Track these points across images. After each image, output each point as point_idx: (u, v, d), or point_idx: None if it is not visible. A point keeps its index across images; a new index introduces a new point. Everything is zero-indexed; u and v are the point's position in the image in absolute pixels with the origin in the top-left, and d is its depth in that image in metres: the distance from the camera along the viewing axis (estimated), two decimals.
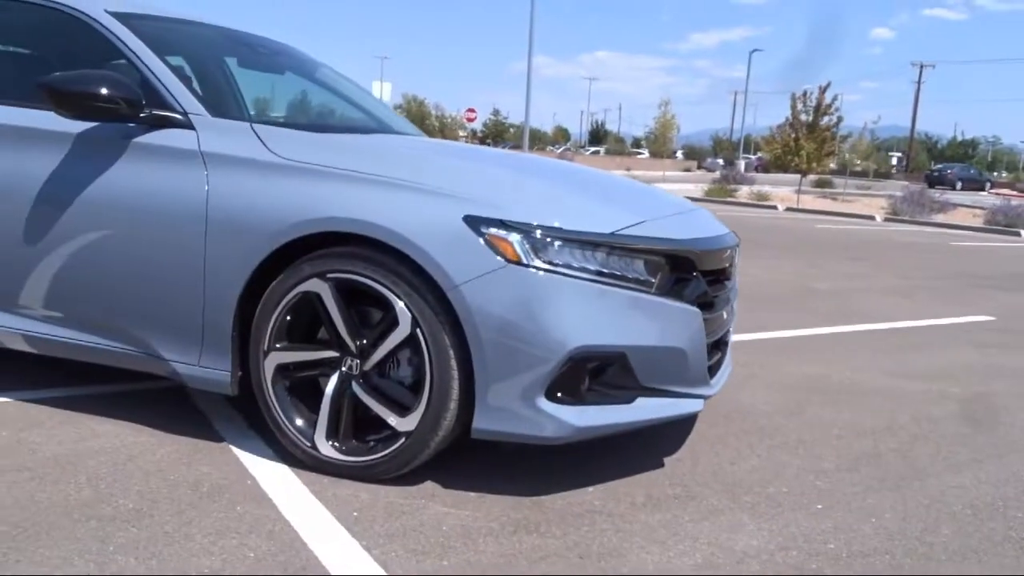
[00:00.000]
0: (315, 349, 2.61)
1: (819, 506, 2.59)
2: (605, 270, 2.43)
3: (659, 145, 38.50)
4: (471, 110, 39.41)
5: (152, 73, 2.81)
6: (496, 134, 51.35)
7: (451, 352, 2.39)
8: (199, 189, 2.62)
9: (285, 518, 2.28)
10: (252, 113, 3.46)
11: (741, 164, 46.22)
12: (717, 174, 34.13)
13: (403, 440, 2.47)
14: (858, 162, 38.22)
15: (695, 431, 3.19)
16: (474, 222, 2.38)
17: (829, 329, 5.49)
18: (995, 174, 59.75)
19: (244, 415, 3.07)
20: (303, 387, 2.67)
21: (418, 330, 2.41)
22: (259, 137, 2.68)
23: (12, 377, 3.34)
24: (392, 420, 2.48)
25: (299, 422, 2.62)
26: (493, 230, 2.37)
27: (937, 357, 4.86)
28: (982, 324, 6.13)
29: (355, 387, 2.54)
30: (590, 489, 2.61)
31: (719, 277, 2.83)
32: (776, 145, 25.59)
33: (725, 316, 2.92)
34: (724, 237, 2.94)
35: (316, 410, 2.63)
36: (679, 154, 64.13)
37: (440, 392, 2.41)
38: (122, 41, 2.90)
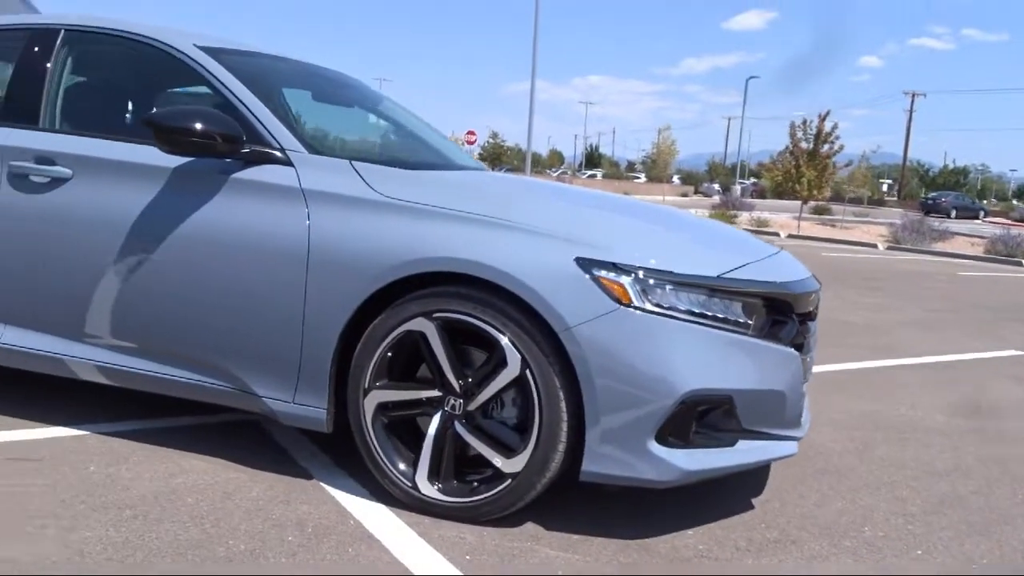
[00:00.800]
0: (417, 388, 2.61)
1: (919, 551, 2.59)
2: (708, 312, 2.45)
3: (658, 170, 38.72)
4: (471, 132, 39.53)
5: (247, 108, 2.83)
6: (495, 157, 51.55)
7: (561, 394, 2.40)
8: (300, 226, 2.62)
9: (400, 561, 2.27)
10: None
11: (737, 189, 46.52)
12: (716, 199, 34.31)
13: (509, 482, 2.47)
14: (853, 190, 38.50)
15: (772, 471, 3.19)
16: (586, 264, 2.39)
17: (871, 363, 5.52)
18: (985, 202, 60.24)
19: (324, 450, 3.06)
20: (400, 426, 2.66)
21: (527, 371, 2.41)
22: (360, 175, 2.69)
23: (85, 409, 3.32)
24: (497, 461, 2.48)
25: (398, 461, 2.61)
26: (605, 272, 2.38)
27: (983, 393, 4.89)
28: (1016, 359, 6.17)
29: (458, 427, 2.54)
30: (689, 532, 2.60)
31: (806, 319, 2.85)
32: (777, 172, 25.78)
33: (810, 359, 2.94)
34: (812, 280, 2.96)
35: (413, 449, 2.63)
36: (676, 179, 64.53)
37: (549, 434, 2.41)
38: (215, 76, 2.91)
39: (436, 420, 2.56)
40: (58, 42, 3.14)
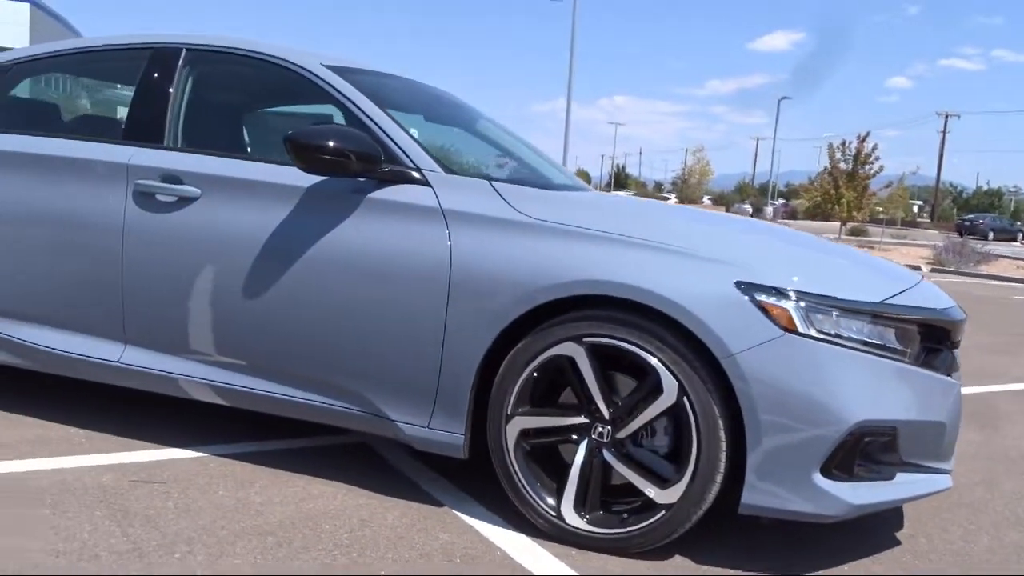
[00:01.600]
0: (562, 415, 2.53)
1: None
2: (868, 340, 2.36)
3: (689, 190, 38.60)
4: None
5: (380, 128, 2.79)
6: None
7: (720, 423, 2.31)
8: (442, 248, 2.57)
9: None
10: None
11: (769, 210, 46.21)
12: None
13: (663, 513, 2.38)
14: (887, 212, 38.10)
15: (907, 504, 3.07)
16: (747, 288, 2.31)
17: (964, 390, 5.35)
18: (1020, 224, 59.37)
19: (443, 474, 2.98)
20: (539, 453, 2.59)
21: (684, 399, 2.33)
22: (501, 195, 2.63)
23: (196, 430, 3.28)
24: (651, 492, 2.39)
25: (541, 490, 2.53)
26: (767, 297, 2.30)
27: None
28: None
29: (607, 455, 2.46)
30: (845, 567, 2.50)
31: (953, 348, 2.75)
32: (816, 193, 25.61)
33: None
34: (959, 308, 2.86)
35: (553, 477, 2.55)
36: (706, 199, 64.25)
37: (708, 464, 2.32)
38: (346, 96, 2.88)
39: (583, 448, 2.48)
40: (180, 62, 3.12)
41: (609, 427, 2.46)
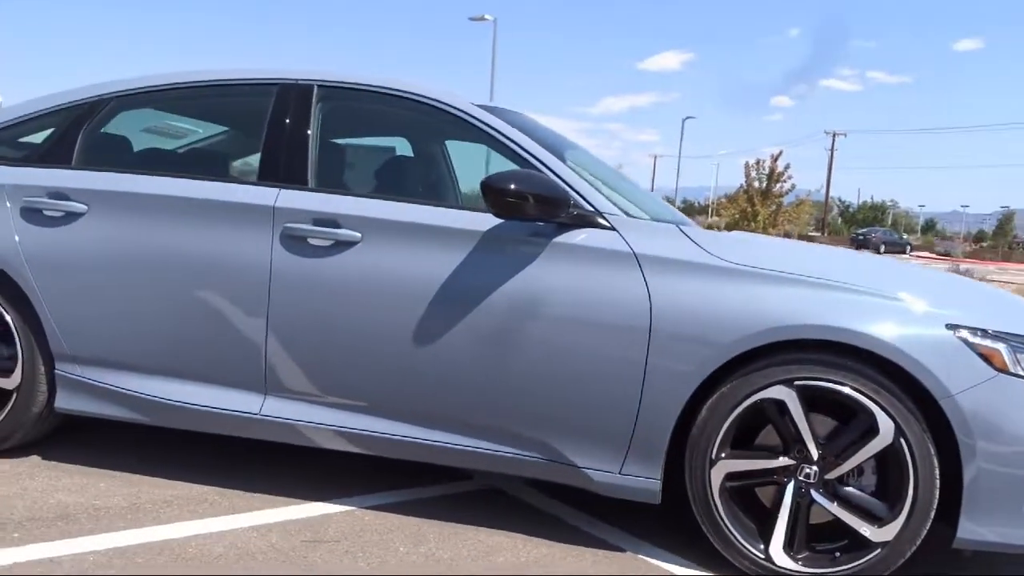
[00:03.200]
0: (769, 457, 2.56)
1: None
2: None
3: None
4: None
5: (551, 170, 2.76)
6: None
7: (935, 461, 2.39)
8: (640, 294, 2.56)
9: None
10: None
11: None
12: None
13: (877, 551, 2.43)
14: (785, 227, 39.80)
15: None
16: (957, 330, 2.40)
17: None
18: (907, 237, 63.06)
19: (600, 517, 2.96)
20: (737, 495, 2.60)
21: (901, 439, 2.40)
22: (692, 239, 2.65)
23: (317, 482, 3.13)
24: (865, 531, 2.44)
25: (743, 532, 2.55)
26: (978, 339, 2.40)
27: None
28: None
29: (816, 496, 2.50)
30: None
31: None
32: (733, 210, 26.58)
33: None
34: None
35: (751, 518, 2.57)
36: None
37: (923, 502, 2.39)
38: (509, 138, 2.84)
39: (790, 489, 2.51)
40: (313, 98, 3.01)
41: (816, 467, 2.50)
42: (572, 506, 3.05)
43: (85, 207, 3.03)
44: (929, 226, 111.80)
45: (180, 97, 3.29)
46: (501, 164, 3.71)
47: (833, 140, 68.53)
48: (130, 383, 3.01)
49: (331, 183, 2.98)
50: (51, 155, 3.21)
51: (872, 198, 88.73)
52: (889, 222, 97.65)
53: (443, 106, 2.94)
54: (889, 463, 2.45)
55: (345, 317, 2.78)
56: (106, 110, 3.24)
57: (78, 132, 3.21)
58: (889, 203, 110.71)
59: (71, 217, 3.05)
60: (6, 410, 3.11)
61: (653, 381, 2.54)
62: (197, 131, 3.53)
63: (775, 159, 25.92)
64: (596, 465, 2.63)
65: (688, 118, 63.25)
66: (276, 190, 2.90)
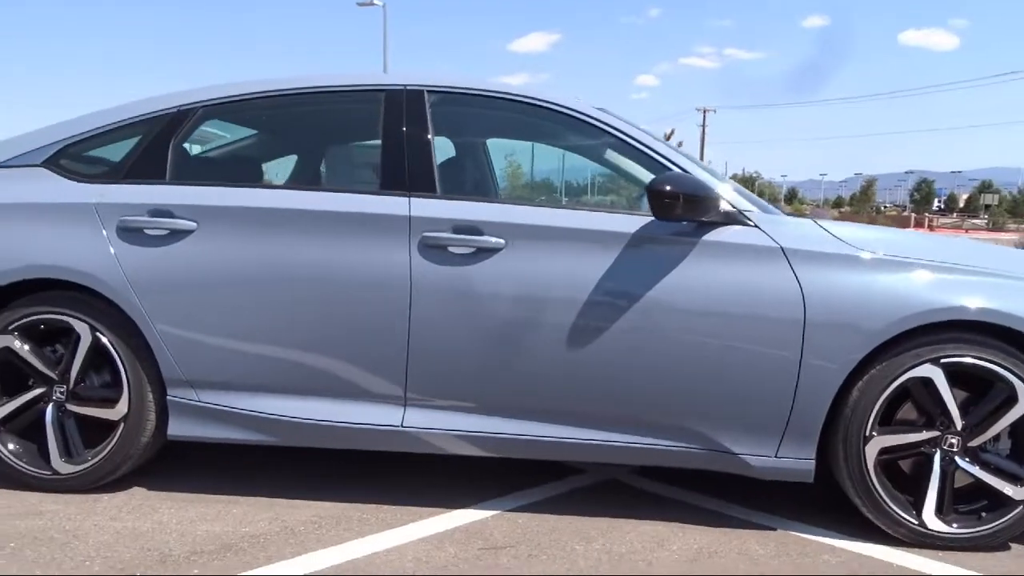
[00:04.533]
0: (918, 430, 2.74)
1: None
2: None
3: None
4: None
5: (684, 171, 2.85)
6: None
7: None
8: (792, 288, 2.69)
9: None
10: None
11: None
12: None
13: (1020, 508, 2.67)
14: None
15: None
16: None
17: None
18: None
19: (715, 494, 3.09)
20: (885, 468, 2.78)
21: None
22: (830, 232, 2.80)
23: (444, 489, 3.14)
24: (1008, 490, 2.68)
25: (894, 502, 2.73)
26: None
27: None
28: None
29: (962, 463, 2.71)
30: None
31: None
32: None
33: None
34: None
35: (899, 488, 2.76)
36: None
37: None
38: (643, 144, 2.91)
39: (937, 458, 2.72)
40: (427, 104, 2.99)
41: (960, 437, 2.71)
42: (693, 490, 3.17)
43: (194, 224, 2.90)
44: (792, 195, 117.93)
45: (273, 105, 3.17)
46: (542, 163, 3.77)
47: (704, 116, 71.05)
48: (254, 404, 2.92)
49: (457, 189, 2.96)
50: (139, 170, 3.04)
51: (743, 171, 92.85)
52: (755, 194, 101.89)
53: (563, 109, 2.97)
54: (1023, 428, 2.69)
55: (491, 324, 2.79)
56: (194, 120, 3.09)
57: (167, 145, 3.05)
58: (754, 175, 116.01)
59: (178, 235, 2.91)
60: (113, 442, 2.96)
61: (808, 369, 2.68)
62: (287, 140, 3.41)
63: (668, 136, 26.70)
64: (753, 451, 2.75)
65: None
66: (406, 199, 2.86)
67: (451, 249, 2.80)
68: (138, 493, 3.03)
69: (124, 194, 2.99)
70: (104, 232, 2.93)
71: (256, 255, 2.87)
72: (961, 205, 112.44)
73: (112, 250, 2.91)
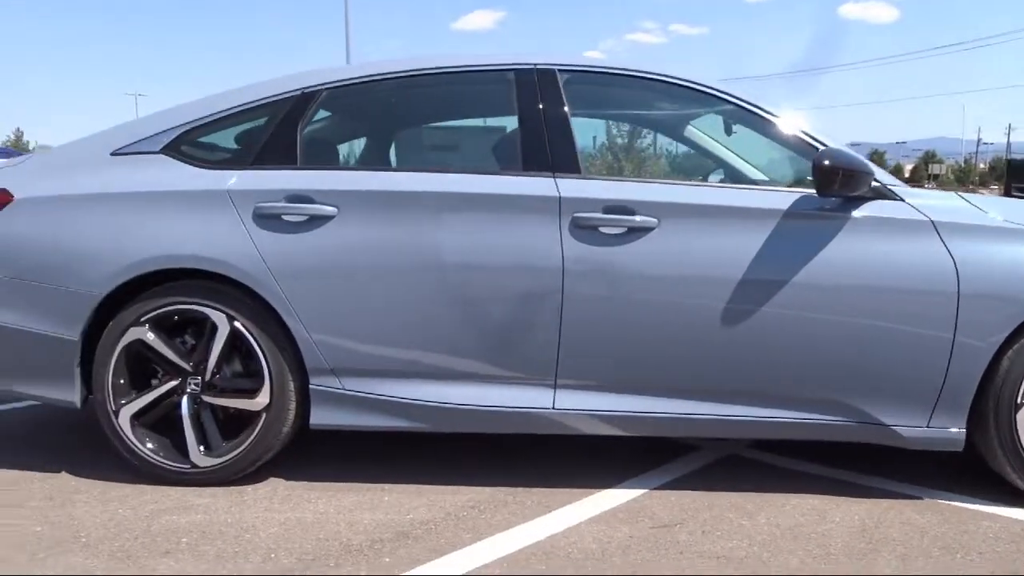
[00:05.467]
0: None
1: None
2: None
3: None
4: None
5: (824, 146, 2.87)
6: None
7: None
8: (944, 259, 2.73)
9: None
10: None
11: None
12: None
13: None
14: None
15: None
16: None
17: None
18: None
19: (848, 468, 3.15)
20: None
21: None
22: (975, 205, 2.85)
23: (584, 468, 3.15)
24: None
25: None
26: None
27: None
28: None
29: None
30: None
31: None
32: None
33: None
34: None
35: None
36: None
37: None
38: (776, 119, 2.92)
39: None
40: (560, 83, 2.96)
41: None
42: (814, 461, 3.22)
43: (335, 209, 2.84)
44: None
45: (398, 87, 3.11)
46: None
47: None
48: (399, 390, 2.88)
49: (597, 169, 2.94)
50: (268, 156, 2.97)
51: None
52: None
53: (696, 87, 2.96)
54: None
55: (644, 303, 2.79)
56: (318, 103, 3.02)
57: (295, 129, 2.98)
58: None
59: (318, 221, 2.85)
60: (255, 432, 2.90)
61: (962, 340, 2.73)
62: (414, 122, 3.35)
63: None
64: (905, 422, 2.81)
65: None
66: (551, 179, 2.84)
67: (602, 229, 2.79)
68: (278, 484, 2.99)
69: (258, 180, 2.91)
70: (241, 220, 2.86)
71: (400, 239, 2.83)
72: (907, 175, 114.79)
73: (251, 238, 2.84)
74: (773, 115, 2.95)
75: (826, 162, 2.67)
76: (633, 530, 2.63)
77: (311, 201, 2.86)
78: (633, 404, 2.85)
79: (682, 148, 3.46)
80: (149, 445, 2.94)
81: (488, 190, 2.85)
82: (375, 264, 2.84)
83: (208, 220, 2.88)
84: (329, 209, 2.84)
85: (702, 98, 3.01)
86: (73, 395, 2.96)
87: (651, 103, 3.18)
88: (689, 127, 3.40)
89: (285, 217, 2.86)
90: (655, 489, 2.97)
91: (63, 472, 3.10)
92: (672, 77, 2.99)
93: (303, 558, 2.42)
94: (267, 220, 2.86)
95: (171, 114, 3.11)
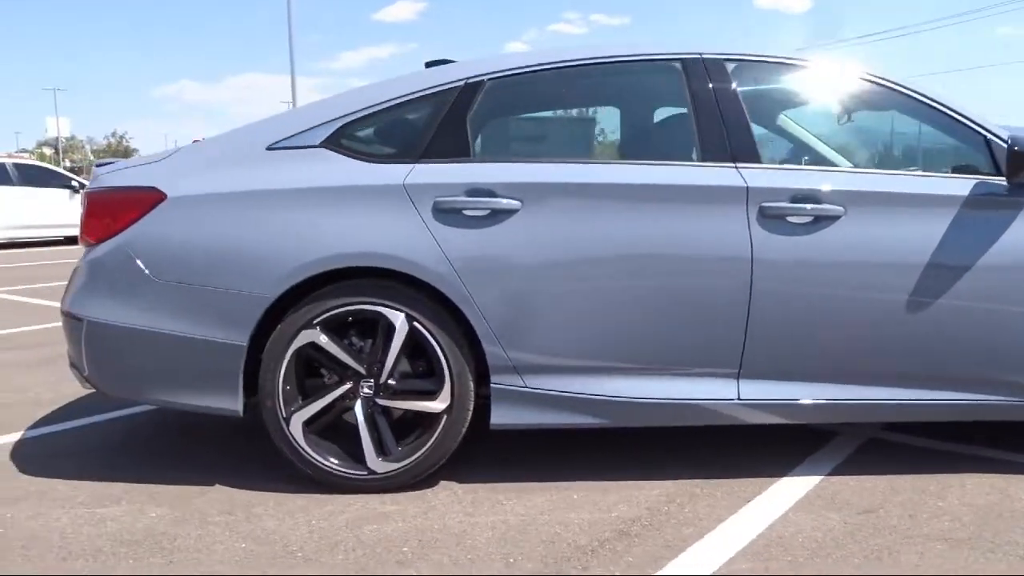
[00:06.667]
0: None
1: None
2: None
3: None
4: (197, 141, 36.53)
5: (985, 129, 2.94)
6: None
7: None
8: None
9: None
10: None
11: None
12: None
13: None
14: None
15: None
16: None
17: None
18: None
19: (972, 443, 3.25)
20: None
21: None
22: None
23: (743, 458, 3.16)
24: None
25: None
26: None
27: None
28: None
29: None
30: None
31: None
32: None
33: None
34: None
35: None
36: None
37: None
38: (940, 103, 2.97)
39: None
40: (730, 73, 2.96)
41: None
42: (947, 441, 3.31)
43: (518, 203, 2.77)
44: None
45: (563, 76, 3.04)
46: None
47: None
48: (581, 386, 2.84)
49: (779, 158, 2.95)
50: (439, 148, 2.87)
51: None
52: None
53: (871, 79, 2.99)
54: None
55: (830, 292, 2.81)
56: (483, 94, 2.93)
57: (463, 120, 2.89)
58: None
59: (500, 215, 2.78)
60: (435, 435, 2.82)
61: None
62: (581, 112, 3.28)
63: None
64: None
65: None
66: (734, 169, 2.83)
67: (790, 219, 2.80)
68: (452, 487, 2.90)
69: (435, 173, 2.81)
70: (420, 216, 2.76)
71: (584, 232, 2.78)
72: None
73: (432, 234, 2.75)
74: (943, 105, 2.97)
75: (1016, 148, 2.73)
76: (843, 517, 2.64)
77: (493, 195, 2.78)
78: (818, 392, 2.87)
79: (852, 137, 3.46)
80: (321, 452, 2.82)
81: (675, 181, 2.82)
82: (561, 258, 2.78)
83: (386, 217, 2.77)
84: (513, 203, 2.77)
85: (869, 89, 3.03)
86: (236, 403, 2.81)
87: (812, 93, 3.19)
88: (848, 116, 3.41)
89: (466, 212, 2.77)
90: (829, 475, 2.99)
91: (217, 484, 2.95)
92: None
93: (545, 561, 2.35)
94: (448, 215, 2.77)
95: (326, 107, 2.98)
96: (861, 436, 3.40)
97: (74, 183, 15.09)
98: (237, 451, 3.29)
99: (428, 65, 3.41)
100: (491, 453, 3.20)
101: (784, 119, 3.28)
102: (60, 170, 16.47)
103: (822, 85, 3.14)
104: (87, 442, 3.52)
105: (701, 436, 3.24)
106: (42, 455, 3.34)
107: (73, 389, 4.29)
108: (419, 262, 2.74)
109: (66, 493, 2.90)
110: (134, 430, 3.70)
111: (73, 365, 3.08)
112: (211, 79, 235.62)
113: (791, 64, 3.05)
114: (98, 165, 3.12)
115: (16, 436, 3.57)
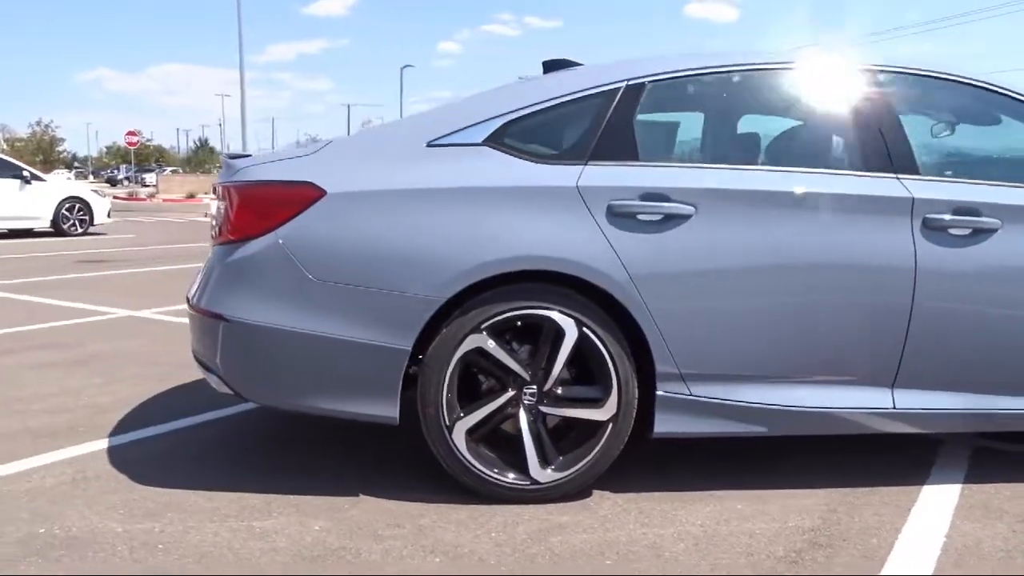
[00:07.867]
0: None
1: None
2: None
3: None
4: (132, 133, 35.28)
5: None
6: (144, 157, 46.52)
7: None
8: None
9: None
10: None
11: None
12: None
13: None
14: None
15: None
16: None
17: None
18: None
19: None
20: None
21: None
22: None
23: (860, 465, 3.19)
24: None
25: None
26: None
27: None
28: None
29: None
30: None
31: None
32: None
33: None
34: None
35: None
36: None
37: None
38: None
39: None
40: (885, 83, 3.00)
41: None
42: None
43: (692, 208, 2.74)
44: None
45: (724, 81, 3.04)
46: None
47: None
48: (743, 394, 2.82)
49: (935, 171, 2.99)
50: (606, 150, 2.81)
51: None
52: None
53: (985, 86, 3.05)
54: None
55: (987, 304, 2.86)
56: (646, 95, 2.89)
57: (630, 122, 2.84)
58: None
59: (673, 220, 2.74)
60: (600, 443, 2.76)
61: None
62: (744, 118, 3.25)
63: None
64: None
65: (407, 66, 63.53)
66: (895, 180, 2.86)
67: (951, 231, 2.83)
68: (611, 497, 2.84)
69: (608, 176, 2.76)
70: (595, 219, 2.70)
71: (757, 240, 2.76)
72: None
73: (606, 238, 2.69)
74: None
75: None
76: (1008, 525, 2.68)
77: (667, 199, 2.73)
78: (970, 402, 2.91)
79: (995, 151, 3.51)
80: (483, 462, 2.73)
81: (844, 190, 2.82)
82: (732, 266, 2.75)
83: (559, 219, 2.69)
84: (686, 208, 2.73)
85: (994, 100, 3.09)
86: (394, 410, 2.70)
87: (956, 105, 3.24)
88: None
89: (640, 216, 2.72)
90: (965, 483, 3.04)
91: (361, 495, 2.82)
92: (978, 80, 3.06)
93: (756, 572, 2.32)
94: (622, 219, 2.71)
95: (486, 104, 2.90)
96: (967, 444, 3.47)
97: (25, 173, 14.38)
98: (337, 456, 3.18)
99: (546, 65, 3.35)
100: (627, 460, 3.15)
101: (935, 131, 3.32)
102: (11, 159, 15.62)
103: (974, 100, 3.17)
104: (187, 448, 3.33)
105: (802, 444, 3.24)
106: (144, 462, 3.14)
107: (129, 392, 4.09)
108: (596, 267, 2.67)
109: (203, 504, 2.73)
110: (226, 435, 3.52)
111: (204, 365, 2.90)
112: (130, 68, 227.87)
113: (942, 79, 3.07)
114: (231, 157, 2.95)
115: (102, 443, 3.36)
